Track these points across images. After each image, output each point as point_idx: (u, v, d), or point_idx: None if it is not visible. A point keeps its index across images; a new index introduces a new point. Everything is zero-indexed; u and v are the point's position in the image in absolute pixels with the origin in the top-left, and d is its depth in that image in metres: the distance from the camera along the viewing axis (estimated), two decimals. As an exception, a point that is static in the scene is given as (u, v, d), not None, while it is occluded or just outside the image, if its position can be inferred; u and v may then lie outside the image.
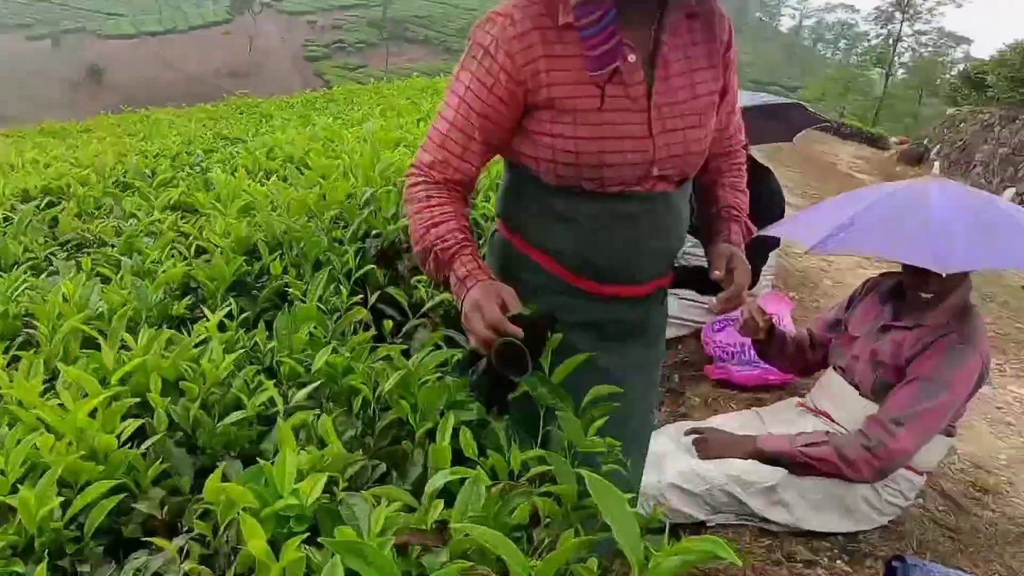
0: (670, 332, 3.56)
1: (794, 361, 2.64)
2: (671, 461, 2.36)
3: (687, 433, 2.44)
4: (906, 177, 14.89)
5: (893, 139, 24.73)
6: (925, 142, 16.91)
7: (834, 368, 2.47)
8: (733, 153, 1.70)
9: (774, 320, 2.66)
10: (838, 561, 2.29)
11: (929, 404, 2.12)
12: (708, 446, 2.37)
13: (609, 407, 1.45)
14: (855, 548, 2.33)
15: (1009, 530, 2.66)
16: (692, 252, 3.82)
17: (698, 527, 2.34)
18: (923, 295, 2.18)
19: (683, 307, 3.59)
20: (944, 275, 1.95)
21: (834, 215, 2.23)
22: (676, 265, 1.71)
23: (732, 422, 2.55)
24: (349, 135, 3.35)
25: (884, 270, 2.58)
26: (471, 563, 1.09)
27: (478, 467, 1.32)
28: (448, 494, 1.17)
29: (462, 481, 1.17)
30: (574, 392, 1.44)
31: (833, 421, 2.38)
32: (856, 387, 2.35)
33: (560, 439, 1.42)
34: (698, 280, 1.80)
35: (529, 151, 1.49)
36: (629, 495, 1.03)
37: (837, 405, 2.39)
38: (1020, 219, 2.09)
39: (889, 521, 2.42)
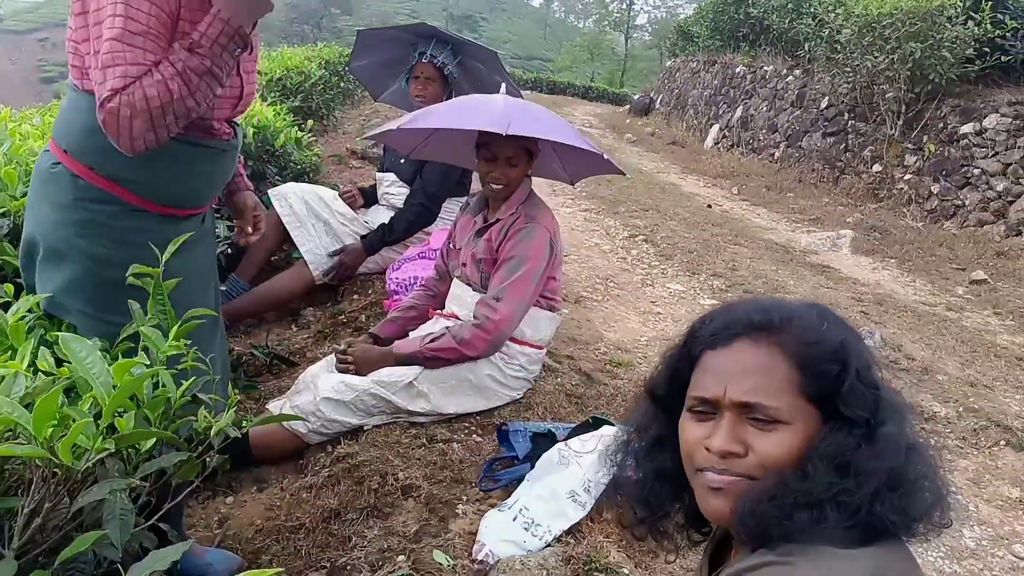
0: (363, 269, 3.86)
1: (434, 304, 2.99)
2: (323, 380, 2.63)
3: (335, 355, 2.72)
4: (634, 126, 16.22)
5: (636, 96, 26.48)
6: (651, 94, 18.47)
7: (455, 277, 2.85)
8: None
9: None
10: (473, 436, 2.66)
11: (516, 276, 2.55)
12: (355, 363, 2.66)
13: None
14: (488, 423, 2.71)
15: (630, 391, 3.16)
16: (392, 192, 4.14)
17: (356, 433, 2.63)
18: (493, 186, 2.62)
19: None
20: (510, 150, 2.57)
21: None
22: None
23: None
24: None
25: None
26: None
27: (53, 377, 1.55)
28: None
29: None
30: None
31: (460, 320, 2.75)
32: (471, 286, 2.74)
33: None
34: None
35: None
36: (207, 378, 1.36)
37: (460, 305, 2.77)
38: (556, 122, 2.57)
39: (521, 396, 2.84)
